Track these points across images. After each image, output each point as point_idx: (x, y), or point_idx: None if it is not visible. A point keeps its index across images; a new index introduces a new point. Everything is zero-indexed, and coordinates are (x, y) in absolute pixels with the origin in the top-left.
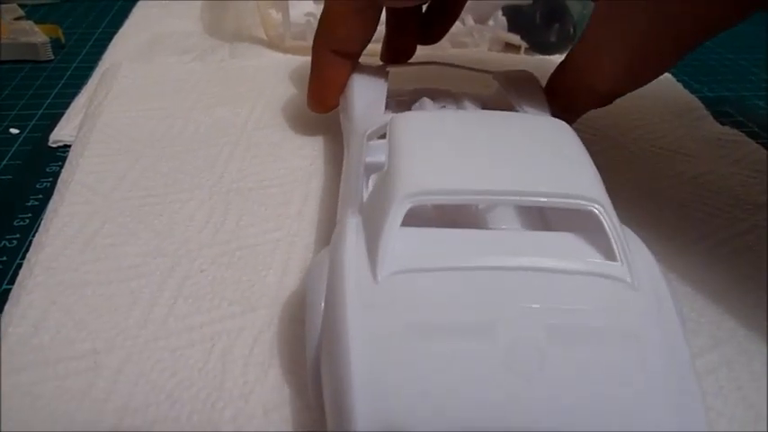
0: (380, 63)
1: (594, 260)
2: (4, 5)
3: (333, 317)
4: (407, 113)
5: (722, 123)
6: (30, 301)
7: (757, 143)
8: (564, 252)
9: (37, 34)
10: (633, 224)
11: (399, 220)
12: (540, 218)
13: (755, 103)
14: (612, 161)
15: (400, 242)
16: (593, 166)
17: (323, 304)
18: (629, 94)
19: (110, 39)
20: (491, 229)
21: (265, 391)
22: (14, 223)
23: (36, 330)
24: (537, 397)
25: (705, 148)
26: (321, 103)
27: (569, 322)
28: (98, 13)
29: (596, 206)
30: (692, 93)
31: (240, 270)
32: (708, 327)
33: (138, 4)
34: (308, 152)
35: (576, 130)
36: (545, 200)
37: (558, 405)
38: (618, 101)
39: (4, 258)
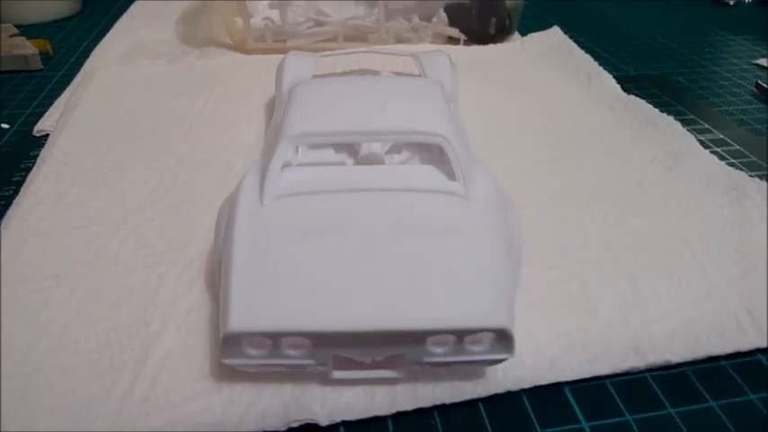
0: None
1: (439, 181)
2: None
3: (228, 231)
4: (306, 81)
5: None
6: (7, 241)
7: (665, 111)
8: (416, 177)
9: (28, 47)
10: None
11: (283, 158)
12: (440, 160)
13: (676, 79)
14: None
15: (286, 176)
16: (448, 112)
17: (224, 226)
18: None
19: (92, 52)
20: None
21: (189, 300)
22: (0, 194)
23: (10, 261)
24: (377, 273)
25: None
26: None
27: (407, 222)
28: (85, 29)
29: (439, 138)
30: (614, 71)
31: (183, 218)
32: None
33: (121, 18)
34: (254, 129)
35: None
36: (396, 136)
37: (392, 277)
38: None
39: None
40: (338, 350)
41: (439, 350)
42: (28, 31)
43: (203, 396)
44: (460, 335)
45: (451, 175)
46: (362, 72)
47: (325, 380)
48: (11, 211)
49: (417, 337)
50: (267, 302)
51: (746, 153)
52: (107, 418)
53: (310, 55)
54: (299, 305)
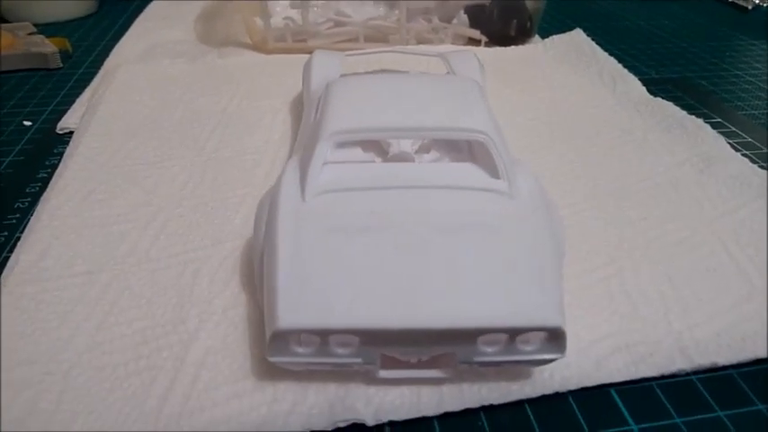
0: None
1: (482, 179)
2: (18, 23)
3: (270, 228)
4: (341, 77)
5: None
6: (37, 237)
7: (692, 113)
8: (459, 175)
9: (47, 46)
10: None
11: (324, 154)
12: (469, 153)
13: (699, 82)
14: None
15: (326, 173)
16: (489, 111)
17: (265, 222)
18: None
19: (112, 50)
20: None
21: (225, 297)
22: (27, 190)
23: (41, 257)
24: (427, 270)
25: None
26: None
27: (453, 220)
28: (103, 29)
29: (482, 136)
30: (637, 74)
31: (212, 216)
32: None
33: (138, 18)
34: (279, 128)
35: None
36: (440, 132)
37: (442, 275)
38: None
39: (18, 216)
40: (386, 349)
41: (489, 349)
42: (45, 30)
43: (246, 395)
44: (513, 334)
45: (492, 173)
46: (389, 71)
47: (370, 379)
48: (40, 207)
49: (469, 336)
50: (316, 299)
51: None
52: (148, 416)
53: (337, 54)
54: (349, 302)
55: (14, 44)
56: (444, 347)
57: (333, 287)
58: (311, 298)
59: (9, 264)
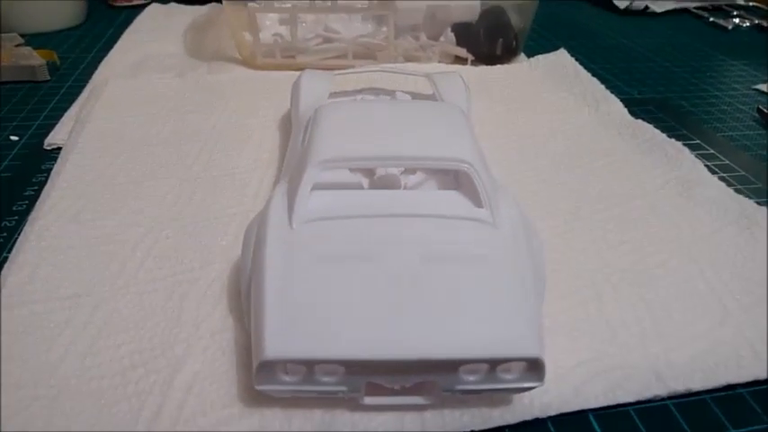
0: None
1: (466, 208)
2: (5, 34)
3: (258, 255)
4: (329, 103)
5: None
6: (24, 258)
7: (671, 135)
8: (443, 204)
9: (35, 58)
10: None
11: (312, 182)
12: (454, 181)
13: (680, 103)
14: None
15: (314, 200)
16: (473, 139)
17: (252, 248)
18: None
19: (100, 62)
20: (396, 190)
21: (213, 321)
22: (14, 208)
23: (29, 280)
24: (411, 301)
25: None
26: None
27: (438, 250)
28: (90, 41)
29: (465, 165)
30: (619, 94)
31: (200, 237)
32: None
33: (127, 30)
34: (267, 147)
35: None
36: (423, 162)
37: (426, 305)
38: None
39: (5, 235)
40: (371, 377)
41: (471, 378)
42: (31, 40)
43: (234, 421)
44: (494, 363)
45: (476, 201)
46: (375, 90)
47: (355, 406)
48: (27, 228)
49: (451, 366)
50: (302, 330)
51: (752, 179)
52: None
53: (325, 74)
54: (335, 333)
55: (2, 56)
56: (427, 376)
57: (319, 317)
58: (298, 328)
59: None
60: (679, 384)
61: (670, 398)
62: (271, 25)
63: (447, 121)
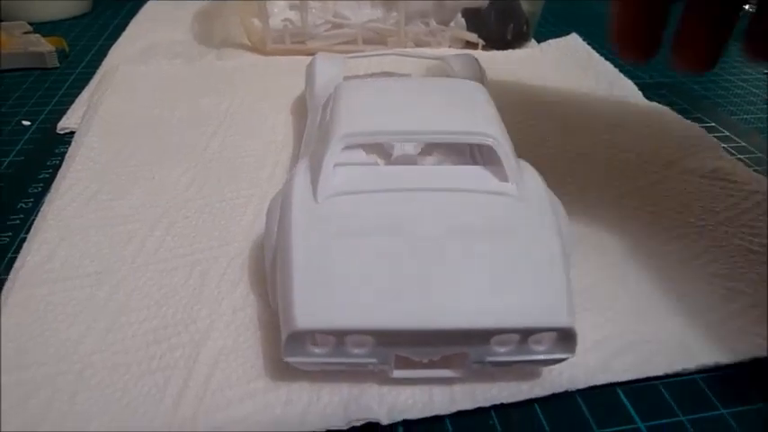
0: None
1: (491, 182)
2: (13, 22)
3: (283, 230)
4: (349, 81)
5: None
6: (43, 238)
7: (687, 117)
8: (468, 178)
9: (44, 45)
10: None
11: (336, 156)
12: (471, 161)
13: (692, 87)
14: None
15: (337, 174)
16: (496, 115)
17: (277, 223)
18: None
19: (107, 50)
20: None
21: (234, 298)
22: (29, 190)
23: (49, 259)
24: (441, 272)
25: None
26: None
27: (465, 223)
28: (98, 28)
29: (490, 140)
30: (633, 79)
31: (218, 217)
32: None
33: (133, 19)
34: (281, 130)
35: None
36: (449, 136)
37: (456, 276)
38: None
39: (21, 216)
40: (401, 349)
41: (502, 349)
42: (39, 29)
43: (260, 394)
44: (526, 334)
45: (500, 176)
46: (389, 75)
47: (383, 379)
48: (45, 208)
49: (483, 336)
50: (332, 300)
51: None
52: (163, 416)
53: (338, 57)
54: (365, 303)
55: (11, 43)
56: (458, 348)
57: (348, 288)
58: (327, 299)
59: (15, 266)
60: (707, 358)
61: (698, 372)
62: (279, 12)
63: (469, 96)
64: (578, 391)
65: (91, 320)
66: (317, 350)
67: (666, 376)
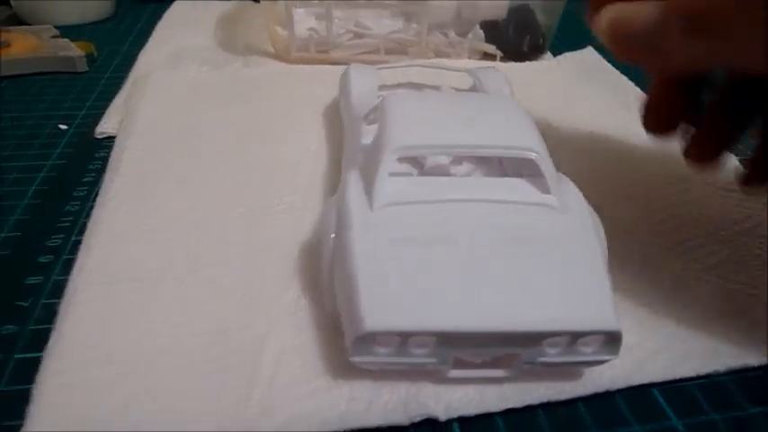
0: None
1: (534, 194)
2: (40, 26)
3: (342, 237)
4: (396, 93)
5: None
6: (98, 241)
7: None
8: (512, 190)
9: (73, 49)
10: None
11: (389, 167)
12: (500, 170)
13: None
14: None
15: (389, 184)
16: (536, 129)
17: (333, 232)
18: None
19: (133, 55)
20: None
21: (287, 302)
22: (74, 194)
23: (106, 261)
24: (496, 278)
25: None
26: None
27: (513, 232)
28: (121, 33)
29: (533, 154)
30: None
31: (262, 223)
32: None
33: (158, 24)
34: (314, 138)
35: None
36: (495, 151)
37: (509, 282)
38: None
39: (71, 218)
40: (459, 350)
41: (552, 351)
42: (64, 33)
43: (324, 392)
44: (575, 337)
45: (541, 188)
46: (417, 86)
47: (439, 379)
48: (97, 212)
49: (536, 338)
50: (397, 303)
51: None
52: (233, 414)
53: (371, 68)
54: (428, 306)
55: (41, 47)
56: (512, 349)
57: (411, 292)
58: (392, 301)
59: (76, 265)
60: (735, 361)
61: (727, 373)
62: (302, 21)
63: (509, 111)
64: (618, 390)
65: (152, 322)
66: (381, 350)
67: (698, 377)
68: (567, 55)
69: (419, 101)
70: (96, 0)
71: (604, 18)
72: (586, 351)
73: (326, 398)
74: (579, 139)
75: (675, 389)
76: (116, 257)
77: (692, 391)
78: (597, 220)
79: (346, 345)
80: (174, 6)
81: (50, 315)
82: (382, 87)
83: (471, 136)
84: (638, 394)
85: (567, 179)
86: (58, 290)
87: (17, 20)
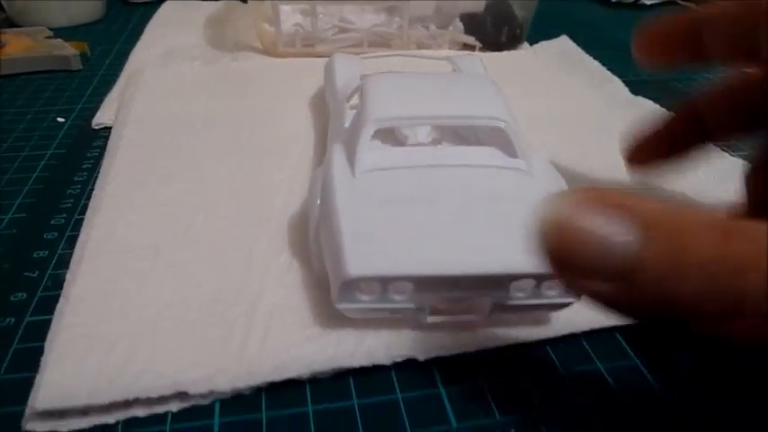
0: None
1: (503, 159)
2: (34, 27)
3: (326, 201)
4: (374, 74)
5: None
6: (102, 217)
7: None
8: (483, 155)
9: (68, 48)
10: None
11: (369, 137)
12: (476, 139)
13: (674, 84)
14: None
15: (370, 153)
16: (505, 101)
17: (318, 198)
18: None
19: (125, 54)
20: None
21: (280, 264)
22: (75, 178)
23: (110, 234)
24: (469, 229)
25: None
26: None
27: (485, 192)
28: (113, 33)
29: (502, 123)
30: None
31: (254, 199)
32: None
33: (149, 24)
34: (301, 123)
35: None
36: (466, 120)
37: (481, 232)
38: None
39: (72, 200)
40: (434, 296)
41: (519, 294)
42: (57, 34)
43: (316, 339)
44: (540, 279)
45: (511, 155)
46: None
47: (418, 325)
48: (98, 192)
49: (503, 281)
50: (377, 251)
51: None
52: (233, 357)
53: (354, 57)
54: (405, 254)
55: (36, 47)
56: (482, 292)
57: (390, 242)
58: (373, 251)
59: (80, 239)
60: None
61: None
62: (287, 17)
63: (481, 87)
64: (583, 332)
65: (156, 285)
66: (364, 297)
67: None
68: (544, 44)
69: (396, 79)
70: (87, 1)
71: (549, 217)
72: (550, 294)
73: (316, 344)
74: (556, 122)
75: (636, 331)
76: (118, 231)
77: (654, 334)
78: (563, 182)
79: (332, 295)
80: (163, 7)
81: (57, 284)
82: (364, 76)
83: (445, 107)
84: (602, 337)
85: (536, 149)
86: (63, 262)
87: (9, 22)
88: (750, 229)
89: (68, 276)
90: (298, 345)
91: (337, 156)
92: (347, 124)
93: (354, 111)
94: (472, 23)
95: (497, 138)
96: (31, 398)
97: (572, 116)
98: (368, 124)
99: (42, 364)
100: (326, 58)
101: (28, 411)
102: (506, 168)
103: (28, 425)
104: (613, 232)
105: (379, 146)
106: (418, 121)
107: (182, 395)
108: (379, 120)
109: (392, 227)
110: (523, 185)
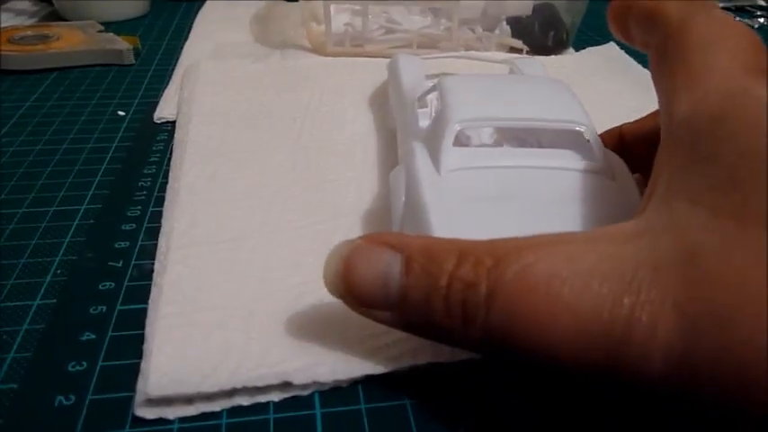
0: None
1: (582, 162)
2: (85, 21)
3: (413, 199)
4: (451, 75)
5: None
6: (181, 210)
7: None
8: (563, 158)
9: (120, 42)
10: None
11: (453, 137)
12: (537, 142)
13: None
14: None
15: (453, 152)
16: (582, 106)
17: (403, 195)
18: None
19: (174, 49)
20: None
21: None
22: (144, 171)
23: (191, 226)
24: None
25: None
26: None
27: (567, 193)
28: (160, 29)
29: (581, 127)
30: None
31: (325, 195)
32: None
33: (195, 21)
34: (363, 122)
35: None
36: (548, 123)
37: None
38: None
39: (145, 193)
40: None
41: None
42: (108, 27)
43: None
44: None
45: (589, 158)
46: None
47: None
48: (173, 185)
49: None
50: None
51: None
52: (333, 351)
53: (416, 57)
54: None
55: (89, 41)
56: None
57: (477, 237)
58: None
59: (163, 230)
60: None
61: None
62: (336, 17)
63: (557, 90)
64: None
65: (242, 276)
66: None
67: None
68: (591, 49)
69: (475, 81)
70: None
71: (333, 260)
72: None
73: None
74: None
75: None
76: (198, 223)
77: None
78: (638, 186)
79: None
80: (206, 6)
81: (143, 274)
82: (431, 76)
83: (526, 110)
84: None
85: (613, 153)
86: (146, 252)
87: (57, 16)
88: (479, 250)
89: (157, 266)
90: (395, 339)
91: (419, 154)
92: (421, 124)
93: (424, 110)
94: (519, 27)
95: (565, 141)
96: (140, 384)
97: (619, 122)
98: (450, 124)
99: (146, 351)
100: (376, 59)
101: (139, 397)
102: (589, 172)
103: (138, 410)
104: (383, 268)
105: (457, 146)
106: (500, 123)
107: (284, 385)
108: (463, 120)
109: (479, 224)
110: (606, 188)
